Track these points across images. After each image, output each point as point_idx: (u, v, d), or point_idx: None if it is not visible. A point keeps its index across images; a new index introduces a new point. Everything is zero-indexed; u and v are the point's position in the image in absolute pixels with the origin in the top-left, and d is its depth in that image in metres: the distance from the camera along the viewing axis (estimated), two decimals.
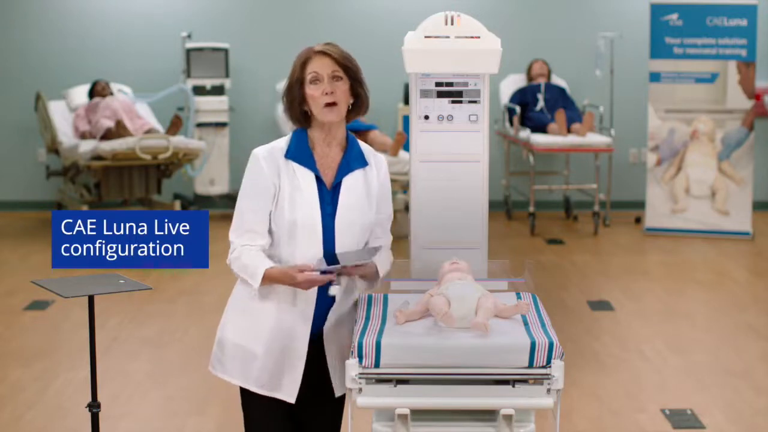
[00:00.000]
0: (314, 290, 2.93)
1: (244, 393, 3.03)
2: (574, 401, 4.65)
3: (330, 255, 2.93)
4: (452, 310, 2.88)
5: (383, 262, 3.07)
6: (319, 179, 2.94)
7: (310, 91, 2.90)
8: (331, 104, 2.90)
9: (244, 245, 2.93)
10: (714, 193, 8.33)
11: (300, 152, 2.94)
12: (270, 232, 2.94)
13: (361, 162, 3.00)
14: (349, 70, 2.93)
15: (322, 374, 3.00)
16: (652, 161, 8.46)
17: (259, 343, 2.96)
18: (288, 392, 2.97)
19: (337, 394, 3.03)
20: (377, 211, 3.04)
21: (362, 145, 3.04)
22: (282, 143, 2.98)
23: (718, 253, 7.77)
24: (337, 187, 2.96)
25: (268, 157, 2.93)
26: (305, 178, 2.93)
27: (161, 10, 9.28)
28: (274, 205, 2.92)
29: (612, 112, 8.92)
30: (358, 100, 2.97)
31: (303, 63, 2.92)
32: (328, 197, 2.94)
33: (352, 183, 2.96)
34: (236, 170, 8.68)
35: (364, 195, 2.98)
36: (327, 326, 2.97)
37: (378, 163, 3.04)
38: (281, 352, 2.95)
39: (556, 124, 8.50)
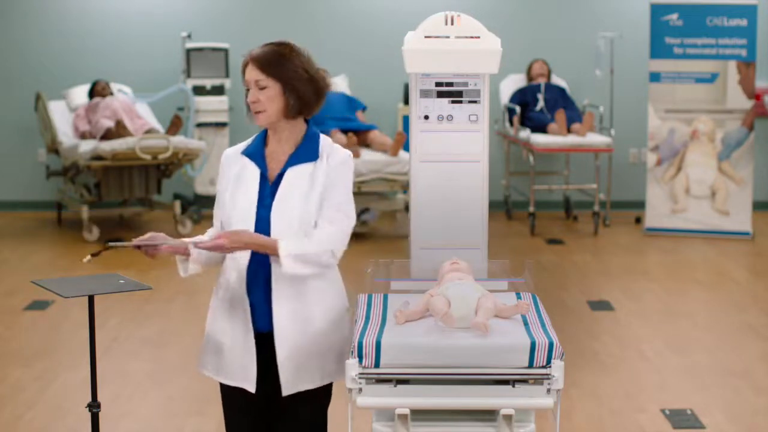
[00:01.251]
0: (243, 284, 2.92)
1: (221, 388, 3.06)
2: (574, 401, 4.65)
3: None
4: (452, 310, 2.88)
5: (296, 242, 2.88)
6: (264, 175, 2.96)
7: (247, 97, 2.95)
8: (257, 112, 2.92)
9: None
10: (714, 193, 8.33)
11: (254, 149, 3.00)
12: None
13: (312, 156, 2.95)
14: (276, 74, 2.89)
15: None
16: (652, 161, 8.46)
17: (223, 335, 3.00)
18: (248, 381, 2.95)
19: (285, 393, 2.93)
20: (322, 199, 2.92)
21: (323, 140, 2.99)
22: (248, 141, 3.06)
23: (718, 253, 7.77)
24: (279, 180, 2.95)
25: (226, 157, 3.04)
26: (251, 173, 2.97)
27: (161, 10, 9.28)
28: (221, 200, 3.01)
29: (612, 112, 8.92)
30: (300, 99, 2.91)
31: (242, 70, 2.97)
32: (269, 191, 2.94)
33: (294, 175, 2.93)
34: None
35: (305, 187, 2.92)
36: (277, 321, 2.91)
37: (332, 154, 2.96)
38: (238, 345, 2.95)
39: (556, 124, 8.50)
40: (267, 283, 2.91)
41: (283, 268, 2.84)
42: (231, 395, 3.03)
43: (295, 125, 2.97)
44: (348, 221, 2.94)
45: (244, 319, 2.93)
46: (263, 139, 3.01)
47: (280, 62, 2.91)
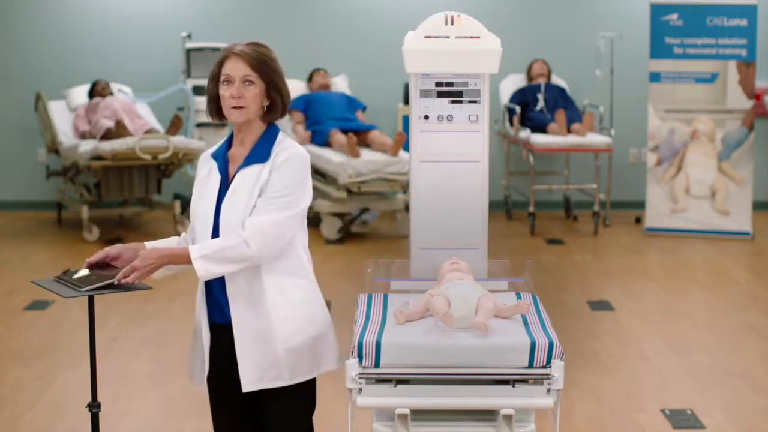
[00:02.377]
0: (202, 283, 2.94)
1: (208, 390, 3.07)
2: (574, 401, 4.65)
3: None
4: (452, 310, 2.88)
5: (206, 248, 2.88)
6: (223, 177, 2.96)
7: (221, 90, 2.91)
8: (237, 107, 2.90)
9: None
10: (714, 193, 8.33)
11: (220, 151, 3.00)
12: None
13: (262, 157, 2.93)
14: (264, 73, 2.90)
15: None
16: (652, 161, 8.46)
17: (194, 339, 3.03)
18: (198, 380, 2.98)
19: (245, 389, 2.90)
20: (263, 192, 2.90)
21: (280, 142, 2.96)
22: (218, 144, 3.06)
23: (718, 253, 7.77)
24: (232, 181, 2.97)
25: (202, 159, 3.05)
26: (214, 175, 2.97)
27: (161, 10, 9.28)
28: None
29: (612, 112, 8.92)
30: (274, 103, 2.93)
31: (220, 62, 2.93)
32: (225, 192, 2.95)
33: (243, 176, 2.93)
34: None
35: (249, 188, 2.90)
36: (234, 314, 2.89)
37: (280, 152, 2.92)
38: (200, 344, 2.97)
39: (556, 124, 8.50)
40: (224, 279, 2.91)
41: (198, 272, 2.83)
42: (213, 395, 3.05)
43: (260, 127, 2.96)
44: (280, 212, 2.85)
45: (202, 313, 2.95)
46: (229, 141, 3.01)
47: (267, 63, 2.92)
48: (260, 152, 2.93)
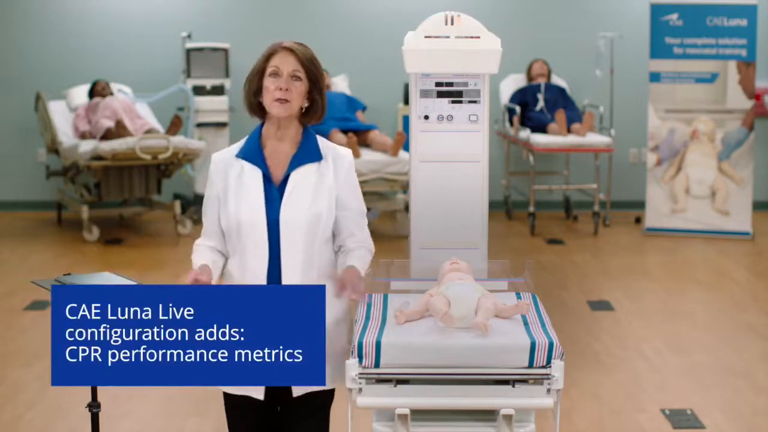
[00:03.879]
0: None
1: (224, 393, 3.03)
2: (574, 401, 4.65)
3: (276, 250, 2.90)
4: (452, 310, 2.88)
5: (360, 261, 2.99)
6: (266, 176, 2.93)
7: (267, 83, 2.91)
8: (282, 100, 2.89)
9: (201, 244, 3.02)
10: (714, 193, 8.33)
11: (250, 150, 2.96)
12: (223, 233, 2.98)
13: (315, 156, 2.96)
14: (310, 72, 2.93)
15: None
16: (652, 161, 8.46)
17: None
18: (256, 389, 2.94)
19: (294, 394, 2.93)
20: (344, 208, 2.99)
21: (321, 141, 3.00)
22: (238, 144, 3.02)
23: (718, 253, 7.77)
24: (285, 181, 2.94)
25: (219, 161, 2.99)
26: (252, 176, 2.94)
27: (161, 10, 9.28)
28: (221, 207, 2.96)
29: (612, 112, 8.92)
30: (313, 104, 2.96)
31: (268, 55, 2.93)
32: (276, 193, 2.93)
33: (300, 176, 2.93)
34: None
35: (312, 189, 2.92)
36: None
37: (337, 157, 2.99)
38: None
39: (556, 124, 8.50)
40: None
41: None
42: (235, 403, 3.00)
43: (297, 126, 2.97)
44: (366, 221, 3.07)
45: None
46: (258, 140, 2.98)
47: (314, 63, 2.95)
48: (309, 151, 2.95)
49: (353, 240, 3.02)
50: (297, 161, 2.94)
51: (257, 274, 2.90)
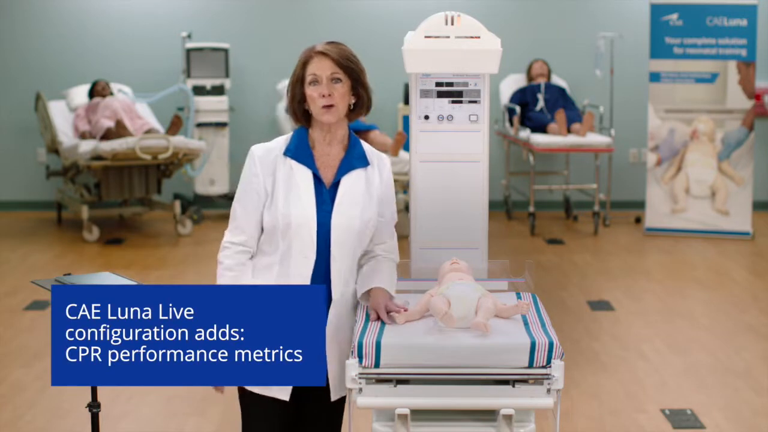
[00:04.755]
0: None
1: (242, 392, 3.03)
2: (574, 401, 4.65)
3: (323, 253, 2.91)
4: (452, 310, 2.88)
5: (389, 278, 3.04)
6: (317, 178, 2.94)
7: (309, 91, 2.91)
8: (328, 106, 2.89)
9: (233, 244, 2.95)
10: (714, 193, 8.33)
11: (300, 150, 2.95)
12: (262, 229, 2.95)
13: (363, 161, 2.98)
14: (349, 70, 2.93)
15: None
16: (652, 161, 8.46)
17: None
18: (281, 390, 2.94)
19: (333, 397, 2.99)
20: (380, 214, 3.01)
21: (365, 145, 3.03)
22: (281, 141, 2.99)
23: (718, 253, 7.77)
24: (336, 185, 2.95)
25: (264, 155, 2.95)
26: (303, 176, 2.92)
27: (161, 10, 9.28)
28: (268, 203, 2.92)
29: (612, 112, 8.92)
30: (360, 100, 2.97)
31: (304, 63, 2.93)
32: (327, 195, 2.93)
33: (351, 181, 2.95)
34: (236, 170, 8.66)
35: (364, 193, 2.96)
36: (329, 331, 2.91)
37: (381, 164, 3.02)
38: None
39: (556, 124, 8.50)
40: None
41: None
42: (258, 403, 2.99)
43: (344, 126, 2.99)
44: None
45: None
46: (306, 139, 2.97)
47: (352, 60, 2.95)
48: (357, 156, 2.97)
49: (383, 248, 3.06)
50: (347, 165, 2.95)
51: (303, 276, 2.90)
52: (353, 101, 2.95)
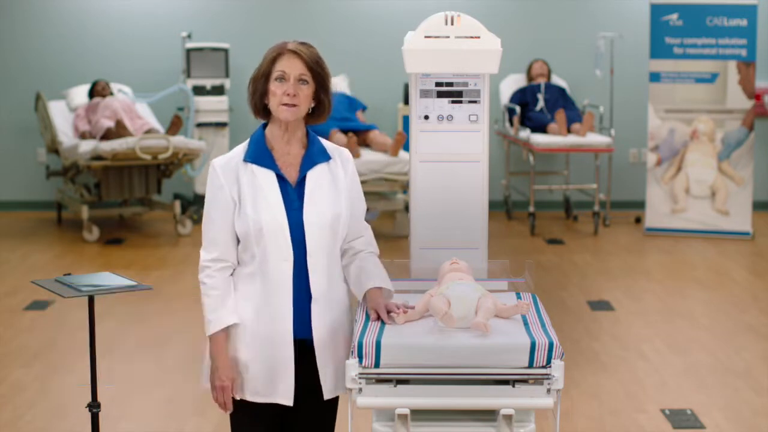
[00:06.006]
0: (289, 294, 2.88)
1: (234, 402, 2.97)
2: (574, 401, 4.65)
3: (300, 252, 2.88)
4: (452, 310, 2.88)
5: (381, 274, 3.02)
6: (281, 177, 2.92)
7: (273, 87, 2.88)
8: (290, 105, 2.88)
9: (212, 261, 2.92)
10: (714, 193, 8.33)
11: (258, 153, 2.93)
12: (237, 239, 2.91)
13: (325, 156, 2.96)
14: (317, 75, 2.90)
15: (312, 377, 2.93)
16: (652, 161, 8.46)
17: (246, 351, 2.91)
18: (284, 396, 2.92)
19: (326, 397, 2.96)
20: (351, 207, 2.98)
21: (324, 141, 3.01)
22: (240, 149, 2.97)
23: (718, 253, 7.77)
24: (301, 182, 2.92)
25: (225, 165, 2.92)
26: (266, 178, 2.90)
27: (161, 10, 9.28)
28: (237, 211, 2.89)
29: (612, 112, 8.92)
30: (320, 106, 2.94)
31: (273, 58, 2.90)
32: (294, 194, 2.91)
33: (317, 175, 2.93)
34: None
35: (330, 187, 2.94)
36: (318, 330, 2.92)
37: (343, 158, 3.00)
38: (269, 357, 2.90)
39: (556, 124, 8.50)
40: (306, 291, 2.90)
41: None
42: (245, 407, 2.96)
43: (302, 128, 2.97)
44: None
45: (283, 330, 2.89)
46: (264, 142, 2.95)
47: (321, 65, 2.93)
48: (318, 151, 2.96)
49: (361, 242, 3.03)
50: (309, 161, 2.93)
51: (282, 279, 2.88)
52: (313, 105, 2.93)
